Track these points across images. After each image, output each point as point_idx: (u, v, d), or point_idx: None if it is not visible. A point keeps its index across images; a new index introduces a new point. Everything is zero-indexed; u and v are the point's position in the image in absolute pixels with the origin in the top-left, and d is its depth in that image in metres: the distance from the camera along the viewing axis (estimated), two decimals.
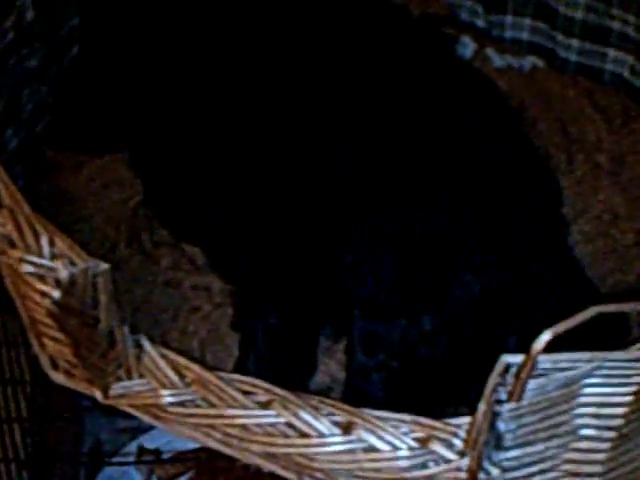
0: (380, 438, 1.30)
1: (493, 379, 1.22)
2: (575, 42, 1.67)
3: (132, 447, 1.98)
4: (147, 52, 1.56)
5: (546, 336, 1.16)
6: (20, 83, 1.55)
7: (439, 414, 1.35)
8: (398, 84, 1.53)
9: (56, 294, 1.27)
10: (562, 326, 1.16)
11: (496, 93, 1.60)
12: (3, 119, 1.49)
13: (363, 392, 1.49)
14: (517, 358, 1.19)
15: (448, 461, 1.30)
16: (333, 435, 1.31)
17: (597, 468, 1.33)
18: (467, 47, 1.67)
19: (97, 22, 1.61)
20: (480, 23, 1.71)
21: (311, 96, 1.50)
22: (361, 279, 1.47)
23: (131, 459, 1.96)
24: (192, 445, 1.94)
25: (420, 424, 1.30)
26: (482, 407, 1.24)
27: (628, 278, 1.51)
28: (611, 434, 1.29)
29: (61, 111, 1.59)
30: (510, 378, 1.22)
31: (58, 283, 1.27)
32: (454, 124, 1.52)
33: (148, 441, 1.99)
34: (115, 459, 1.98)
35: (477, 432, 1.27)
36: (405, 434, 1.30)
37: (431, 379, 1.51)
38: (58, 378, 1.45)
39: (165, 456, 1.98)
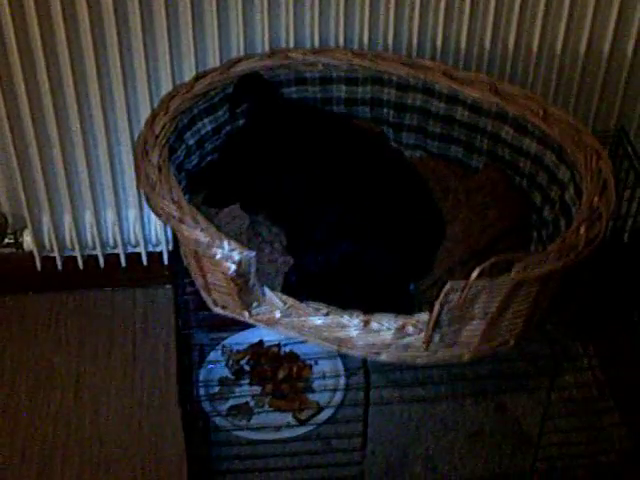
0: (381, 325, 1.34)
1: (443, 294, 1.28)
2: (436, 144, 1.70)
3: (219, 347, 1.96)
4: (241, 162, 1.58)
5: (476, 272, 1.24)
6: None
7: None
8: (370, 165, 1.57)
9: (233, 267, 1.32)
10: (482, 267, 1.23)
11: (410, 167, 1.64)
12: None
13: None
14: (461, 283, 1.25)
15: (413, 334, 1.34)
16: (358, 325, 1.34)
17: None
18: None
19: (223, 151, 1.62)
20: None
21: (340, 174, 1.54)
22: None
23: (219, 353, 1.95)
24: (247, 343, 1.95)
25: (401, 318, 1.34)
26: (437, 307, 1.29)
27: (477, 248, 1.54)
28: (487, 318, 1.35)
29: (211, 190, 1.59)
30: (451, 294, 1.27)
31: (234, 262, 1.32)
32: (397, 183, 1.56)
33: (227, 342, 1.96)
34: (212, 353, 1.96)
35: (432, 320, 1.31)
36: (394, 322, 1.33)
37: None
38: (218, 310, 1.46)
39: (234, 350, 1.96)
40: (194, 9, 1.67)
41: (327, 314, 1.37)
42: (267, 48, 1.71)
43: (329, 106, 1.70)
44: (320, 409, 1.85)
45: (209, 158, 1.64)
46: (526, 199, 1.61)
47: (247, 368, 1.94)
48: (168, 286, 2.08)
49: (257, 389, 1.90)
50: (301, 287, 1.44)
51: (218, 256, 1.33)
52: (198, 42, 1.71)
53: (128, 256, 2.01)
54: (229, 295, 1.40)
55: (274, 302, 1.39)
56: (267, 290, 1.39)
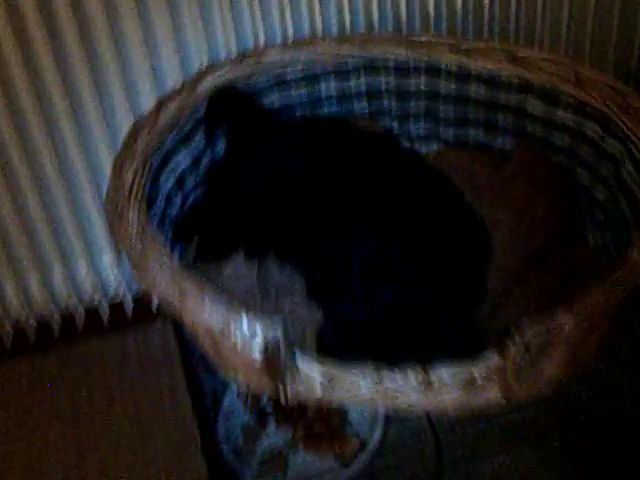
0: (444, 383, 1.11)
1: (519, 338, 1.06)
2: (451, 130, 1.50)
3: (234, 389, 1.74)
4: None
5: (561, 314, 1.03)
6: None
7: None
8: (388, 178, 1.36)
9: (260, 352, 1.10)
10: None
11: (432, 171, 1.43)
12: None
13: None
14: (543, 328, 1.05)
15: (486, 387, 1.12)
16: (418, 388, 1.11)
17: None
18: None
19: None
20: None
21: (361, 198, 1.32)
22: None
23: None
24: None
25: (468, 370, 1.10)
26: (515, 356, 1.08)
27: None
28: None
29: (205, 236, 1.36)
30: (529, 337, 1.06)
31: (259, 346, 1.10)
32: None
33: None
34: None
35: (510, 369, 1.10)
36: (460, 378, 1.11)
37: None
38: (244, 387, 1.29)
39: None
40: (141, 14, 1.43)
41: (379, 382, 1.12)
42: (233, 49, 1.48)
43: (319, 108, 1.48)
44: (364, 444, 1.63)
45: (192, 196, 1.41)
46: (571, 180, 1.40)
47: (269, 409, 1.72)
48: (159, 324, 1.86)
49: (286, 432, 1.68)
50: (341, 345, 1.22)
51: (238, 342, 1.09)
52: (152, 53, 1.47)
53: (110, 306, 1.80)
54: (256, 378, 1.18)
55: (312, 377, 1.15)
56: (303, 364, 1.14)
